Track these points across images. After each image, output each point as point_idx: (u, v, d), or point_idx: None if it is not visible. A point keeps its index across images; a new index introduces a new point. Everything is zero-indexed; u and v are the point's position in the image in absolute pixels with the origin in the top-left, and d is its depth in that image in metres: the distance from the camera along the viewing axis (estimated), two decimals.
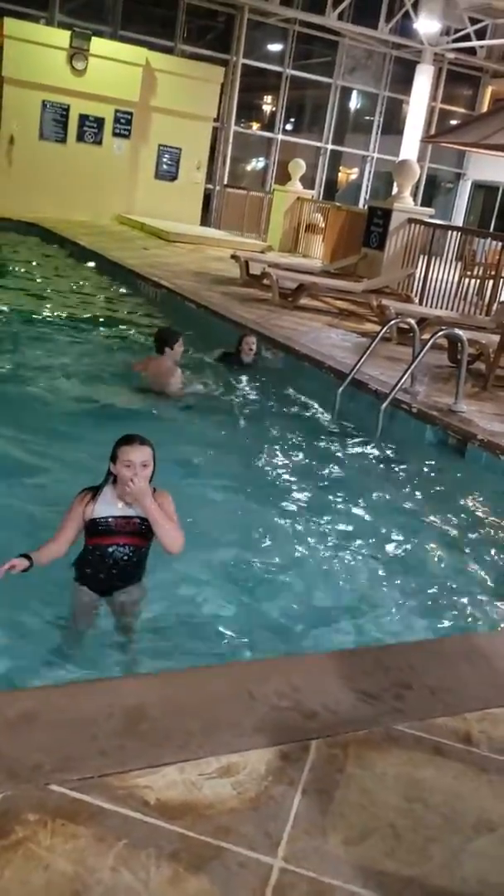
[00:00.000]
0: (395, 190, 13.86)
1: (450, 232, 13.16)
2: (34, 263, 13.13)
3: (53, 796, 1.98)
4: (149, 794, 2.04)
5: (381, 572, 4.34)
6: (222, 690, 2.48)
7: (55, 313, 9.73)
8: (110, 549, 3.36)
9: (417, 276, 12.54)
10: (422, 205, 16.62)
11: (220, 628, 3.51)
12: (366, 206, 16.18)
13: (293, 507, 4.99)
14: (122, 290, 11.65)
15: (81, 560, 3.41)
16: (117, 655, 3.16)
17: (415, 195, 17.07)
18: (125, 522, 3.37)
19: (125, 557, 3.37)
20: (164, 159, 19.83)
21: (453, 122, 22.74)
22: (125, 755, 2.14)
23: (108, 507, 3.37)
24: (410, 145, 20.38)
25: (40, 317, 9.40)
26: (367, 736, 2.36)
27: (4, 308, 9.52)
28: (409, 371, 6.77)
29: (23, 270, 12.35)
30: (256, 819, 2.01)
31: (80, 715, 2.28)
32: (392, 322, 7.97)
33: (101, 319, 9.75)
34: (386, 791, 2.17)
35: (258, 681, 2.52)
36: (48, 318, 9.41)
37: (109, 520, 3.36)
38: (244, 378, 7.48)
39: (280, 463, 5.78)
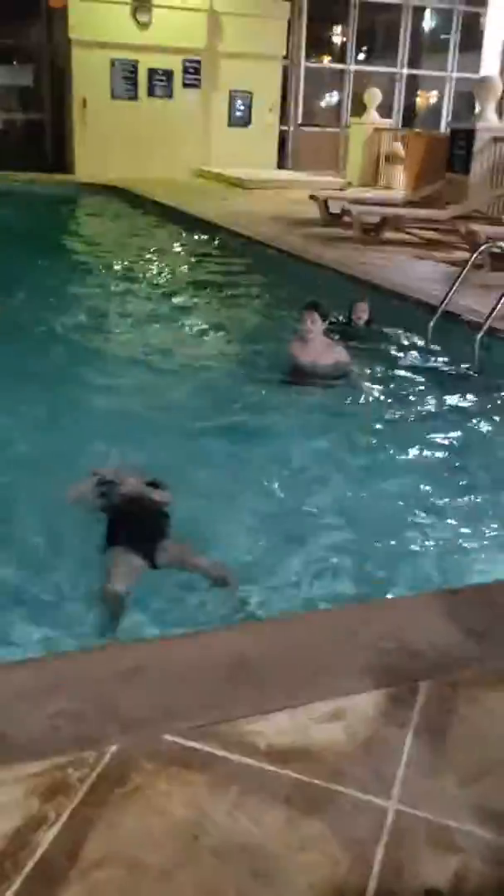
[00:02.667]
0: (477, 109, 13.24)
1: None
2: (114, 225, 13.22)
3: (167, 745, 2.02)
4: (259, 740, 2.05)
5: (486, 507, 4.24)
6: (325, 635, 2.46)
7: (138, 273, 9.78)
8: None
9: None
10: None
11: (318, 573, 3.50)
12: (448, 130, 15.53)
13: (389, 447, 4.91)
14: (203, 244, 11.60)
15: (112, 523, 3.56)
16: (213, 607, 3.19)
17: (499, 112, 16.23)
18: None
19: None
20: (237, 105, 19.52)
21: None
22: (233, 703, 2.16)
23: None
24: (491, 60, 19.34)
25: (123, 277, 9.47)
26: (478, 675, 2.31)
27: (91, 270, 9.64)
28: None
29: (102, 232, 12.45)
30: (368, 762, 1.99)
31: (186, 665, 2.31)
32: (483, 247, 7.66)
33: (183, 276, 9.76)
34: (500, 729, 2.12)
35: (361, 624, 2.50)
36: (131, 279, 9.47)
37: None
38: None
39: (375, 405, 5.66)
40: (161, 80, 18.54)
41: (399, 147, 17.49)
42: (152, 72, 18.44)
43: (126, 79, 18.29)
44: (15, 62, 21.01)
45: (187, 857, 1.73)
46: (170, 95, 18.68)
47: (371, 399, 5.78)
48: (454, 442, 5.10)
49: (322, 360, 5.83)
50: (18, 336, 6.50)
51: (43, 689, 2.18)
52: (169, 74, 18.58)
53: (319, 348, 5.80)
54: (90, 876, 1.68)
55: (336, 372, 5.86)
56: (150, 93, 18.52)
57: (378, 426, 5.29)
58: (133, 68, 18.28)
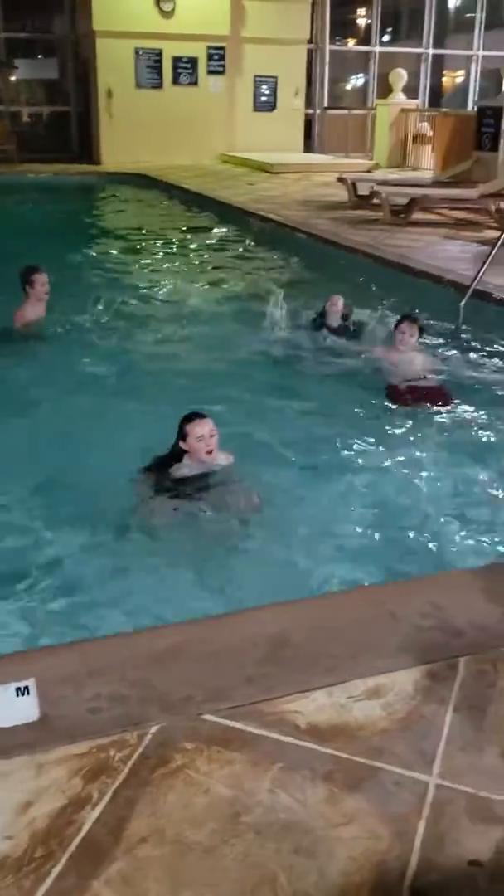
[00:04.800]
0: None
1: None
2: (143, 213, 13.25)
3: (207, 725, 2.03)
4: (299, 718, 2.06)
5: None
6: (363, 613, 2.46)
7: (164, 261, 9.79)
8: None
9: None
10: None
11: (356, 551, 3.49)
12: (475, 108, 15.32)
13: (425, 425, 4.87)
14: (231, 230, 11.58)
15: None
16: (253, 587, 3.20)
17: None
18: None
19: None
20: (262, 90, 19.41)
21: None
22: (272, 682, 2.17)
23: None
24: None
25: (149, 266, 9.49)
26: None
27: (118, 260, 9.67)
28: None
29: (131, 220, 12.49)
30: (409, 738, 1.99)
31: (224, 646, 2.32)
32: None
33: (208, 260, 9.74)
34: None
35: (399, 601, 2.50)
36: (156, 267, 9.48)
37: None
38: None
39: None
40: (186, 68, 18.48)
41: (426, 127, 17.30)
42: (177, 60, 18.37)
43: (150, 67, 18.25)
44: (40, 55, 21.10)
45: (230, 834, 1.75)
46: (194, 82, 18.62)
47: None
48: (487, 423, 5.05)
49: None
50: (53, 330, 6.51)
51: (84, 673, 2.21)
52: (193, 62, 18.51)
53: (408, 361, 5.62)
54: (134, 853, 1.70)
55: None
56: (175, 81, 18.47)
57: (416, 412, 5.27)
58: (157, 57, 18.23)
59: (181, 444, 3.72)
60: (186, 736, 2.00)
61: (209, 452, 3.69)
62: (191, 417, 3.72)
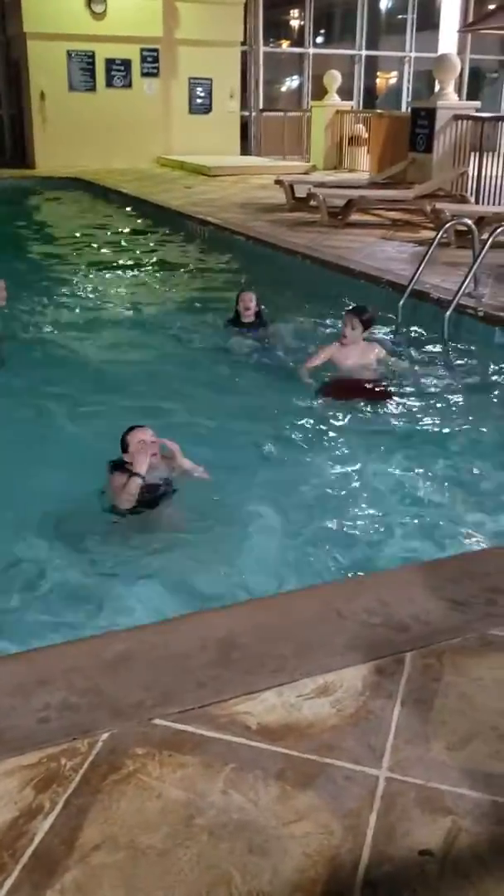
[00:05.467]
0: (436, 88, 13.27)
1: (500, 123, 12.54)
2: (80, 218, 13.13)
3: (158, 730, 2.03)
4: (249, 719, 2.07)
5: (461, 480, 4.28)
6: (311, 612, 2.49)
7: (101, 266, 9.73)
8: None
9: (470, 174, 12.03)
10: (467, 99, 15.86)
11: (302, 551, 3.53)
12: (409, 110, 15.55)
13: (366, 425, 4.94)
14: (169, 233, 11.55)
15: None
16: (202, 590, 3.22)
17: (458, 90, 16.28)
18: None
19: None
20: (197, 92, 19.39)
21: (491, 7, 21.48)
22: (222, 684, 2.17)
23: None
24: (448, 38, 19.41)
25: (86, 272, 9.42)
26: (462, 643, 2.34)
27: (54, 266, 9.58)
28: (470, 274, 6.56)
29: (68, 225, 12.37)
30: (358, 734, 2.02)
31: (174, 650, 2.32)
32: (448, 225, 7.69)
33: (149, 265, 9.71)
34: (485, 695, 2.15)
35: (346, 599, 2.53)
36: (94, 273, 9.42)
37: None
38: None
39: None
40: (119, 70, 18.37)
41: (361, 129, 17.50)
42: (110, 62, 18.26)
43: (83, 70, 18.10)
44: None
45: (184, 836, 1.75)
46: (129, 85, 18.52)
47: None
48: (425, 418, 5.15)
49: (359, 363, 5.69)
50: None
51: (32, 682, 2.19)
52: (127, 64, 18.41)
53: (356, 353, 5.68)
54: (88, 861, 1.69)
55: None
56: (108, 83, 18.35)
57: (354, 407, 5.33)
58: (90, 59, 18.09)
59: (124, 457, 3.86)
60: (137, 741, 2.00)
61: (152, 456, 3.84)
62: (131, 428, 3.90)
